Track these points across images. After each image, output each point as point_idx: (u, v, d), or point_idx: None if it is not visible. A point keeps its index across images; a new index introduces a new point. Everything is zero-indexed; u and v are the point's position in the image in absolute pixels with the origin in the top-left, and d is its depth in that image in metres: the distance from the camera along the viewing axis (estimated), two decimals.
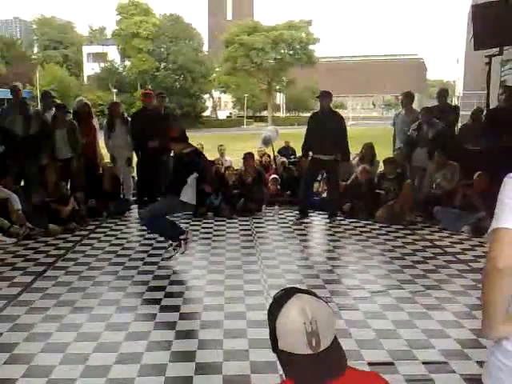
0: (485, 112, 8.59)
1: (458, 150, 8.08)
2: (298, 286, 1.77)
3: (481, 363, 3.40)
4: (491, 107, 8.50)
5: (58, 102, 8.81)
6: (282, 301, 1.49)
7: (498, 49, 8.19)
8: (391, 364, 3.41)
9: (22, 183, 7.88)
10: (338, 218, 8.01)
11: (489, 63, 8.38)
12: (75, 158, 8.06)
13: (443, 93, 9.22)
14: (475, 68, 11.79)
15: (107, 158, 8.86)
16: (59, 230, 6.95)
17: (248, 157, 8.69)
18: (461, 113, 10.83)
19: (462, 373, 3.30)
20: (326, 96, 7.96)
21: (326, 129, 7.63)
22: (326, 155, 7.77)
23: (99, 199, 8.00)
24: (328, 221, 7.92)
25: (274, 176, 9.36)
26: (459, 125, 9.74)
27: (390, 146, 9.60)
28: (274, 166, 9.92)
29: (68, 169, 7.95)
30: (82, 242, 6.60)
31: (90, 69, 58.52)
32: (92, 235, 6.96)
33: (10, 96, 8.30)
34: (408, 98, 9.23)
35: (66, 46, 62.60)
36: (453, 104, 13.39)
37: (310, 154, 8.07)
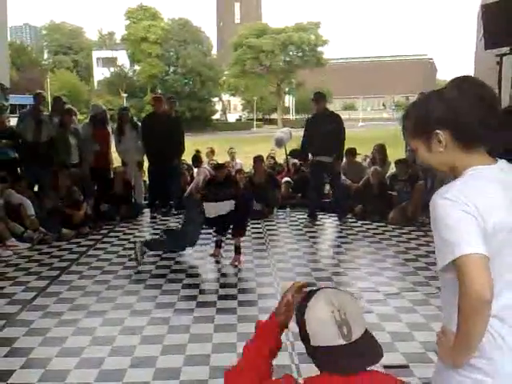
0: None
1: None
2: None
3: None
4: (503, 106, 8.44)
5: (69, 106, 8.84)
6: (308, 297, 1.51)
7: (508, 48, 8.12)
8: (406, 367, 3.39)
9: (36, 188, 7.94)
10: (350, 220, 7.99)
11: (500, 62, 8.31)
12: (81, 163, 8.13)
13: None
14: (486, 67, 11.71)
15: (118, 162, 8.91)
16: (72, 234, 6.99)
17: (257, 160, 8.72)
18: None
19: None
20: (320, 98, 7.96)
21: (325, 130, 7.61)
22: (325, 156, 7.77)
23: (111, 203, 8.04)
24: (339, 223, 7.91)
25: (286, 179, 9.35)
26: None
27: (401, 147, 9.56)
28: (286, 168, 9.92)
29: (78, 173, 8.02)
30: (96, 247, 6.63)
31: (100, 74, 58.87)
32: (105, 239, 6.99)
33: (23, 102, 8.37)
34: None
35: (76, 51, 63.06)
36: None
37: (310, 156, 8.09)
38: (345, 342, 1.42)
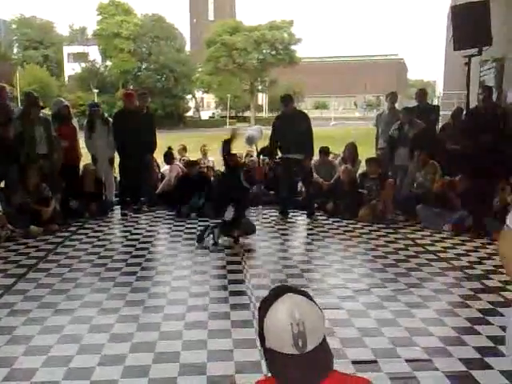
0: (465, 112, 8.69)
1: (438, 149, 8.17)
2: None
3: (464, 360, 3.44)
4: (471, 107, 8.60)
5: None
6: (272, 299, 1.49)
7: (476, 49, 8.27)
8: (375, 362, 3.43)
9: (2, 184, 7.78)
10: (321, 217, 8.06)
11: (468, 63, 8.46)
12: (50, 156, 7.94)
13: (422, 93, 9.34)
14: (455, 68, 11.89)
15: (88, 159, 8.79)
16: (40, 231, 6.88)
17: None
18: (441, 112, 10.96)
19: (445, 370, 3.33)
20: (288, 101, 8.06)
21: (293, 129, 7.71)
22: (293, 154, 7.83)
23: (80, 200, 7.93)
24: (310, 220, 7.97)
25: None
26: (440, 124, 9.85)
27: (372, 145, 9.67)
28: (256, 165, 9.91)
29: (47, 166, 7.85)
30: (64, 244, 6.54)
31: (71, 69, 57.89)
32: (74, 236, 6.90)
33: None
34: (392, 98, 9.35)
35: (47, 46, 61.86)
36: (433, 104, 13.51)
37: (280, 154, 8.15)
38: (297, 352, 1.42)
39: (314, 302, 1.51)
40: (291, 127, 7.74)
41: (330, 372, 1.47)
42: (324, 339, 1.48)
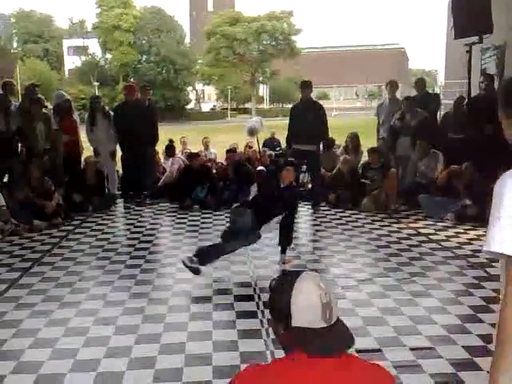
0: (466, 100, 8.67)
1: (440, 138, 8.16)
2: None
3: (467, 348, 3.46)
4: (473, 95, 8.58)
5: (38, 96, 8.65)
6: (291, 279, 1.52)
7: (477, 37, 8.24)
8: (379, 351, 3.45)
9: (6, 179, 7.80)
10: (324, 208, 8.07)
11: (469, 51, 8.43)
12: (52, 150, 7.96)
13: (420, 82, 9.31)
14: (456, 57, 11.85)
15: (89, 152, 8.80)
16: (44, 225, 6.90)
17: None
18: (443, 101, 10.94)
19: (448, 358, 3.35)
20: (307, 86, 8.07)
21: (307, 119, 7.71)
22: (305, 145, 7.82)
23: (83, 193, 7.95)
24: (313, 211, 7.98)
25: (260, 168, 9.35)
26: (441, 113, 9.82)
27: (374, 135, 9.65)
28: (259, 156, 9.92)
29: (51, 159, 7.87)
30: (68, 237, 6.56)
31: (71, 62, 57.78)
32: (78, 230, 6.92)
33: None
34: (392, 87, 9.30)
35: (46, 39, 61.72)
36: (433, 93, 13.47)
37: (292, 145, 8.15)
38: (326, 325, 1.45)
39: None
40: (305, 117, 7.74)
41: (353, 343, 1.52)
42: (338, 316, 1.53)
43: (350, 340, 1.51)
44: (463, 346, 3.49)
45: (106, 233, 6.82)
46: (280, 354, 1.64)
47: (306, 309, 1.46)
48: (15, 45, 61.68)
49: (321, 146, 8.55)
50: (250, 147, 10.42)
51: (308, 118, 7.72)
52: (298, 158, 8.10)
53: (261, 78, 60.60)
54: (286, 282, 1.54)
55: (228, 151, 9.76)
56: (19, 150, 7.92)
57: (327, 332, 1.46)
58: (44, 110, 8.14)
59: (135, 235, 6.69)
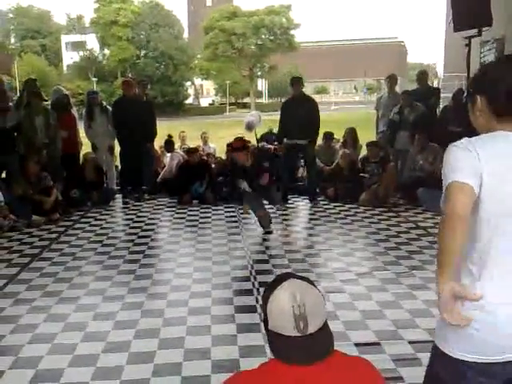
0: (465, 93, 8.64)
1: (439, 131, 8.14)
2: (285, 270, 1.80)
3: None
4: None
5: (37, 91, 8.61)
6: (275, 284, 1.56)
7: (476, 30, 8.21)
8: (378, 344, 3.45)
9: (4, 175, 7.78)
10: (323, 202, 8.07)
11: (468, 45, 8.39)
12: (50, 145, 7.93)
13: (422, 75, 9.28)
14: (455, 50, 11.83)
15: (88, 147, 8.79)
16: (43, 221, 6.89)
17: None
18: (442, 95, 10.90)
19: None
20: (297, 82, 8.14)
21: (299, 114, 7.71)
22: (299, 139, 7.83)
23: (82, 189, 7.94)
24: (312, 205, 7.98)
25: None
26: (441, 107, 9.80)
27: (373, 129, 9.64)
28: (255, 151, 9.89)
29: (49, 154, 7.85)
30: (67, 233, 6.56)
31: (69, 58, 57.66)
32: (76, 225, 6.92)
33: None
34: (391, 81, 9.29)
35: (44, 35, 61.57)
36: (433, 86, 13.44)
37: (285, 139, 8.15)
38: (299, 335, 1.46)
39: (315, 286, 1.57)
40: (297, 112, 7.76)
41: (330, 353, 1.52)
42: (326, 324, 1.53)
43: (325, 354, 1.50)
44: None
45: (105, 228, 6.81)
46: None
47: (278, 316, 1.50)
48: (13, 40, 61.57)
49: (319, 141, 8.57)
50: (249, 142, 10.38)
51: (300, 113, 7.73)
52: (291, 152, 8.15)
53: (259, 73, 60.54)
54: (272, 285, 1.57)
55: (228, 145, 9.71)
56: (17, 144, 7.89)
57: (300, 342, 1.47)
58: (44, 103, 8.13)
59: (134, 230, 6.69)
